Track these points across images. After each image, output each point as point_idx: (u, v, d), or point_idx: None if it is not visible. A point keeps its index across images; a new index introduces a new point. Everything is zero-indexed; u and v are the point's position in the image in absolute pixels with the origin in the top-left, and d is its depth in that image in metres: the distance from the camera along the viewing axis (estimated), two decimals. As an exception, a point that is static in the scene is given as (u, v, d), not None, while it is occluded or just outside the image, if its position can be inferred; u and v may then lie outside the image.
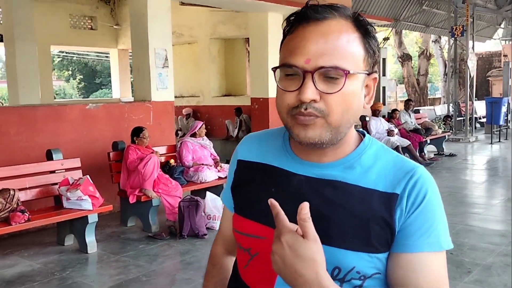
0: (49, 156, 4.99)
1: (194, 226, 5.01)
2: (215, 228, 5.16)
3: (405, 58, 21.03)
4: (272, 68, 0.97)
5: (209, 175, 5.87)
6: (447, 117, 12.67)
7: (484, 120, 14.74)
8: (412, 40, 30.12)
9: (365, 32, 0.95)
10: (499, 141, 12.88)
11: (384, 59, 13.54)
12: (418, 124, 10.40)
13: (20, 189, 4.53)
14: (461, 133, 13.85)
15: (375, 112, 9.33)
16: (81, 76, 30.30)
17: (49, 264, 4.40)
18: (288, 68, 0.92)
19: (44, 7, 11.20)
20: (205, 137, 6.36)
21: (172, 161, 5.91)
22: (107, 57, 16.90)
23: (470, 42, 13.45)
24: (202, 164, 5.99)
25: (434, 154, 10.52)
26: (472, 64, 13.14)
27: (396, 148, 8.71)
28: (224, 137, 11.00)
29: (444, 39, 18.99)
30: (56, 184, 4.79)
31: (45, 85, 11.57)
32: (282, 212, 0.86)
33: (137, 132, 5.51)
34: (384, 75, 13.59)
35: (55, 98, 16.37)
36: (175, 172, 5.69)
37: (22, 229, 4.46)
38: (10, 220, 4.14)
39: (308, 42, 0.91)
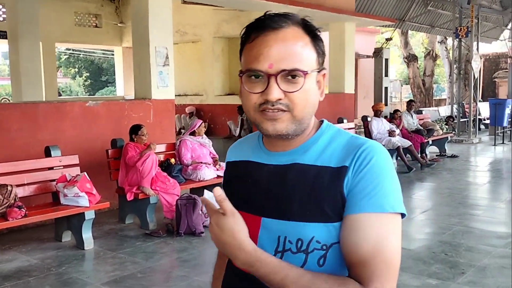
0: (47, 153, 5.03)
1: (191, 224, 5.03)
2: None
3: (411, 58, 20.91)
4: (239, 74, 1.08)
5: (208, 173, 5.88)
6: (449, 117, 12.60)
7: (488, 121, 14.65)
8: (419, 40, 29.97)
9: (314, 35, 1.08)
10: (503, 142, 12.75)
11: (386, 60, 13.44)
12: (420, 125, 10.34)
13: (18, 185, 4.58)
14: (464, 134, 13.77)
15: (376, 113, 9.22)
16: (87, 74, 30.39)
17: (46, 260, 4.44)
18: (253, 72, 1.04)
19: (49, 5, 11.26)
20: (204, 136, 6.37)
21: (172, 160, 5.93)
22: (113, 54, 16.98)
23: (475, 43, 13.37)
24: (201, 162, 6.00)
25: (436, 155, 10.45)
26: (476, 65, 13.05)
27: (397, 149, 8.69)
28: (227, 136, 11.04)
29: (450, 40, 18.90)
30: (54, 180, 4.83)
31: (49, 82, 11.67)
32: (211, 202, 1.03)
33: (135, 129, 5.52)
34: (386, 75, 13.49)
35: (60, 95, 16.46)
36: (174, 170, 5.71)
37: (20, 224, 4.50)
38: (7, 216, 4.19)
39: (269, 49, 1.02)
